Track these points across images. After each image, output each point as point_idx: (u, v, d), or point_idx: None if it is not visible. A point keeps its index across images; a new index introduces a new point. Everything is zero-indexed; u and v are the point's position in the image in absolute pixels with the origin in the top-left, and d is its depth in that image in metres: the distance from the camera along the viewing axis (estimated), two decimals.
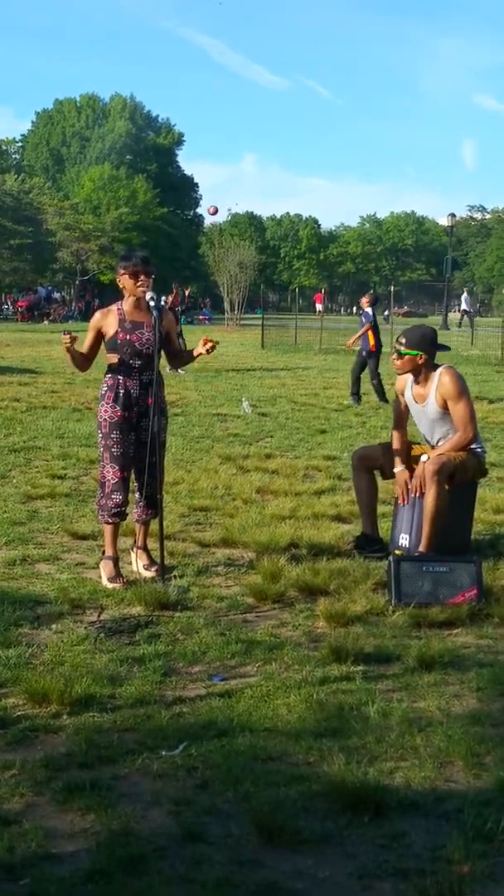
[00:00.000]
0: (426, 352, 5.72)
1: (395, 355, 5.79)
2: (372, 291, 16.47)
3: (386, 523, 6.14)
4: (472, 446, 5.72)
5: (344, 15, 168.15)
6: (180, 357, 5.73)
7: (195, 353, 5.44)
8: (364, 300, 15.93)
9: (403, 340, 5.75)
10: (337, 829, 2.86)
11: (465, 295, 50.20)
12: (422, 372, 5.75)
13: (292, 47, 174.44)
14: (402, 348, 5.71)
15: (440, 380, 5.69)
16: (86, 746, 3.35)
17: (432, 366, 5.74)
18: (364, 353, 14.88)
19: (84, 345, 5.47)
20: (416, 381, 5.80)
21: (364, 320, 15.23)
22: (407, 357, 5.71)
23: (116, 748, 3.35)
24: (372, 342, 14.78)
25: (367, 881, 2.63)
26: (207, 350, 5.31)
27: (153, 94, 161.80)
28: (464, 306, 47.28)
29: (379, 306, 15.54)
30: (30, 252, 55.06)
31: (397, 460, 5.83)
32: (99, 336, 5.42)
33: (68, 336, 5.29)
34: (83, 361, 5.46)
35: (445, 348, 6.03)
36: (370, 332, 14.81)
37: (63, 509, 7.00)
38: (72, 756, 3.30)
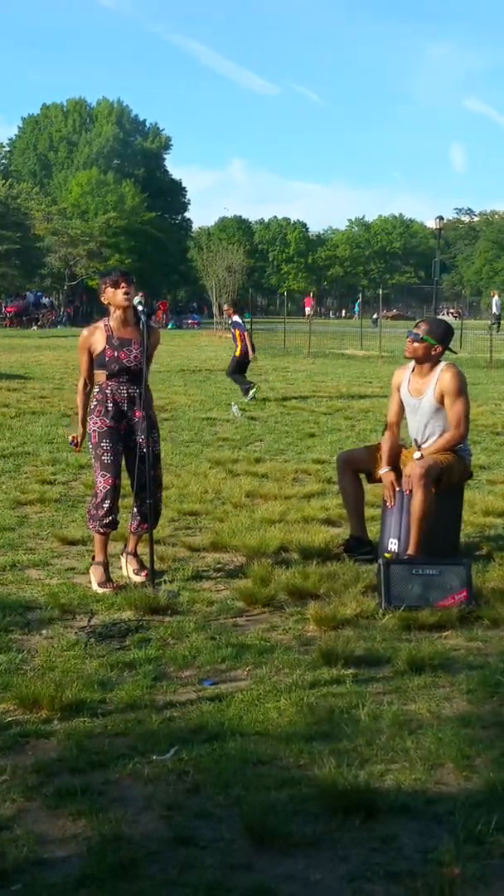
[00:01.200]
0: (443, 345, 5.76)
1: (410, 338, 5.77)
2: (231, 300, 16.91)
3: (374, 526, 6.15)
4: (458, 447, 5.74)
5: (334, 20, 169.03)
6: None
7: None
8: (228, 310, 16.37)
9: (425, 327, 5.77)
10: (328, 831, 2.87)
11: (495, 298, 45.94)
12: (427, 363, 5.77)
13: (282, 52, 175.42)
14: (422, 333, 5.72)
15: (442, 375, 5.71)
16: (77, 751, 3.35)
17: (437, 361, 5.77)
18: (236, 355, 15.63)
19: (81, 368, 5.46)
20: (416, 373, 5.81)
21: (234, 328, 15.92)
22: (425, 343, 5.72)
23: (107, 753, 3.35)
24: (239, 350, 15.43)
25: (359, 884, 2.63)
26: None
27: (141, 99, 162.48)
28: (494, 310, 44.20)
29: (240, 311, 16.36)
30: (18, 257, 55.06)
31: (384, 461, 5.81)
32: (91, 354, 5.41)
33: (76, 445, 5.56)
34: (87, 389, 5.46)
35: (453, 351, 6.06)
36: (241, 339, 15.45)
37: (53, 515, 7.00)
38: (63, 761, 3.30)
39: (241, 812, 2.94)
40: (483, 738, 3.51)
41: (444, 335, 5.79)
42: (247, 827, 2.85)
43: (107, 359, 5.33)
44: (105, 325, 5.41)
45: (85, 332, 5.49)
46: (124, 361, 5.33)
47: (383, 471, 5.78)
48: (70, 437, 5.67)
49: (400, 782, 3.17)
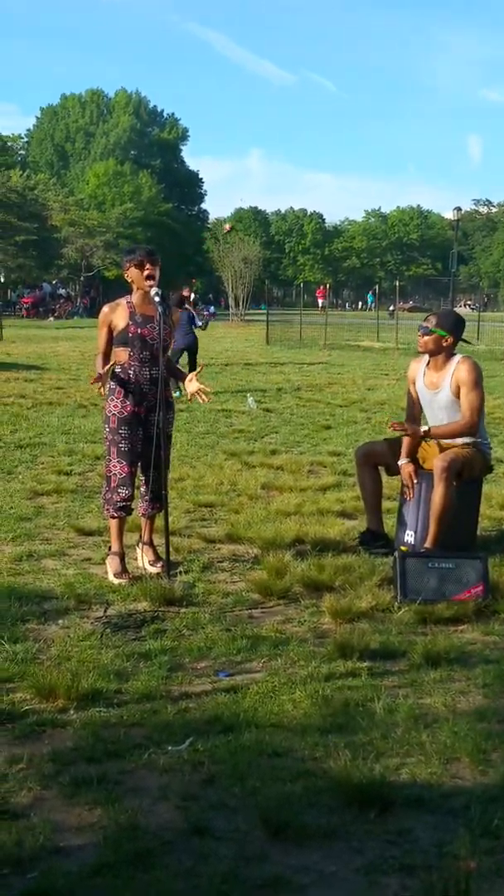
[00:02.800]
0: (454, 336, 5.71)
1: (420, 332, 5.74)
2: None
3: (391, 519, 6.14)
4: (478, 440, 5.72)
5: (350, 9, 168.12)
6: (170, 366, 5.58)
7: (187, 382, 5.36)
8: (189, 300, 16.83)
9: (434, 320, 5.72)
10: (343, 824, 2.87)
11: None
12: (441, 356, 5.73)
13: (298, 42, 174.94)
14: (431, 326, 5.67)
15: (458, 367, 5.66)
16: (93, 741, 3.36)
17: (451, 353, 5.74)
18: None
19: (99, 343, 5.43)
20: (431, 366, 5.78)
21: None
22: (435, 335, 5.67)
23: (123, 743, 3.37)
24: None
25: (374, 876, 2.63)
26: (194, 393, 5.27)
27: (158, 90, 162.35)
28: None
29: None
30: (35, 248, 55.09)
31: (404, 453, 5.79)
32: (111, 331, 5.35)
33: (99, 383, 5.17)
34: (105, 362, 5.33)
35: (467, 342, 6.01)
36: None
37: (69, 505, 7.02)
38: (79, 751, 3.31)
39: (257, 803, 2.94)
40: (499, 733, 3.50)
41: (453, 325, 5.74)
42: (262, 818, 2.85)
43: (130, 335, 5.29)
44: (128, 303, 5.36)
45: (106, 308, 5.42)
46: (147, 339, 5.29)
47: (402, 461, 5.77)
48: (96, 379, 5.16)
49: (415, 776, 3.17)
